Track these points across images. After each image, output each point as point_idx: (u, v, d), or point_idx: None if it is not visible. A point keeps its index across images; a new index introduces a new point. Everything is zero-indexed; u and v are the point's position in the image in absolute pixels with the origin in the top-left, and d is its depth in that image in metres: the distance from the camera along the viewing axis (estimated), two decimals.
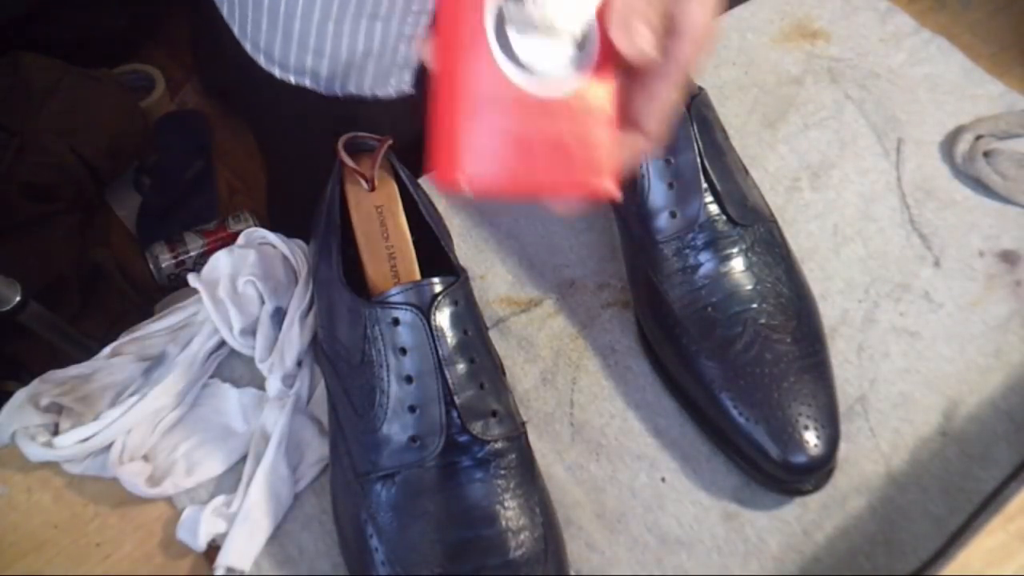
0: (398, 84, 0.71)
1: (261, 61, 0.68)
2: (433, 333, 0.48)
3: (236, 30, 0.69)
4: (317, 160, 0.65)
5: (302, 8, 0.63)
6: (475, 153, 0.30)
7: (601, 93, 0.31)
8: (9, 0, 1.44)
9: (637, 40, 0.31)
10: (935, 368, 0.58)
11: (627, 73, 0.33)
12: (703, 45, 0.34)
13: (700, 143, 0.55)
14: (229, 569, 0.50)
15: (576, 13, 0.30)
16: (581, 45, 0.31)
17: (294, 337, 0.56)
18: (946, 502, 0.53)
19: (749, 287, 0.54)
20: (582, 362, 0.59)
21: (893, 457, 0.55)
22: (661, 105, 0.34)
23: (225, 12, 0.69)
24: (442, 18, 0.30)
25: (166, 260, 1.41)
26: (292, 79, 0.68)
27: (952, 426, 0.56)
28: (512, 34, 0.30)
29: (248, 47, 0.68)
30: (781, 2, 0.77)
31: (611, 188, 0.32)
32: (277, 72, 0.68)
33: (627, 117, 0.35)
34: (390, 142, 0.56)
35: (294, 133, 0.78)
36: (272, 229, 0.61)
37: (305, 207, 0.60)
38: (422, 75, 0.73)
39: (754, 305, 0.53)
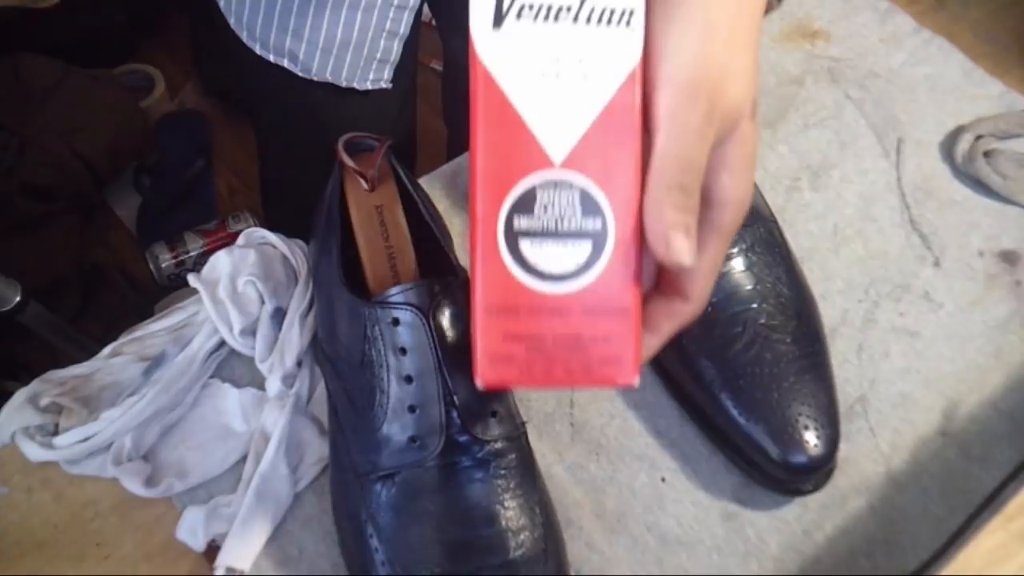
0: (376, 78, 0.71)
1: (244, 37, 0.69)
2: (433, 333, 0.48)
3: (221, 3, 0.69)
4: (309, 157, 0.65)
5: None
6: (488, 355, 0.31)
7: (618, 284, 0.31)
8: None
9: (675, 250, 0.30)
10: (935, 368, 0.58)
11: None
12: (744, 211, 0.33)
13: None
14: (229, 569, 0.50)
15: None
16: (596, 242, 0.30)
17: (294, 337, 0.56)
18: (946, 502, 0.53)
19: (749, 287, 0.54)
20: None
21: (893, 457, 0.55)
22: (703, 272, 0.33)
23: None
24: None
25: (166, 260, 1.41)
26: (271, 58, 0.69)
27: (952, 426, 0.56)
28: (524, 242, 0.30)
29: (232, 21, 0.69)
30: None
31: (631, 380, 0.31)
32: (257, 48, 0.69)
33: (668, 284, 0.34)
34: (390, 142, 0.56)
35: (286, 125, 0.78)
36: (274, 229, 0.61)
37: (301, 207, 0.60)
38: (403, 72, 0.73)
39: (754, 305, 0.53)
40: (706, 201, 0.32)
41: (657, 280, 0.34)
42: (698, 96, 0.30)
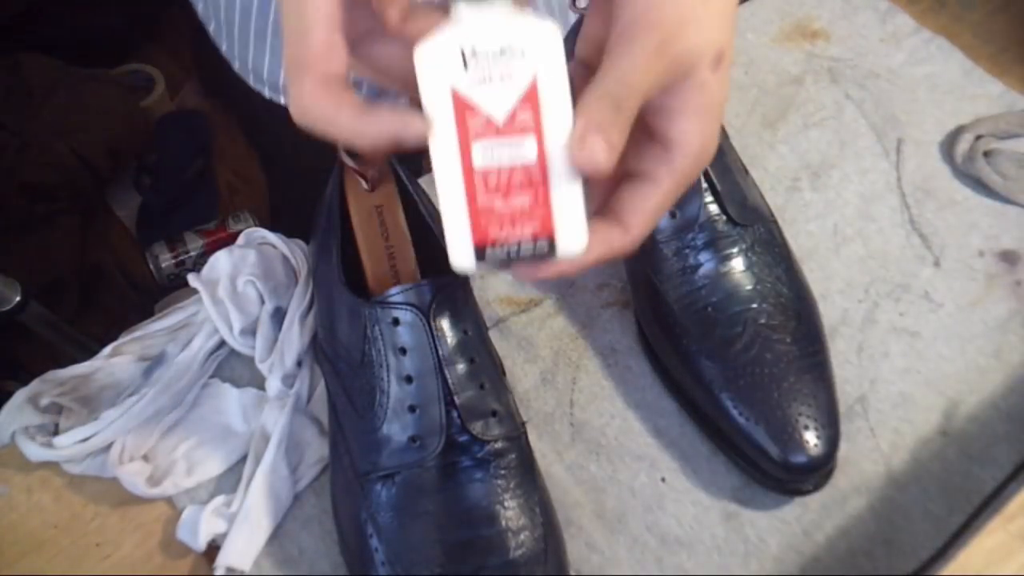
0: None
1: (250, 80, 0.66)
2: (433, 333, 0.48)
3: (224, 48, 0.66)
4: (317, 165, 0.64)
5: None
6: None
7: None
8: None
9: (590, 148, 0.31)
10: (935, 368, 0.58)
11: (623, 168, 0.34)
12: (702, 160, 0.35)
13: None
14: (229, 569, 0.50)
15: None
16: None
17: (294, 337, 0.56)
18: (946, 502, 0.53)
19: (749, 287, 0.54)
20: (582, 362, 0.59)
21: (893, 457, 0.55)
22: (647, 207, 0.35)
23: (212, 29, 0.67)
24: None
25: (166, 260, 1.41)
26: (282, 100, 0.66)
27: (952, 426, 0.56)
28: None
29: (236, 65, 0.67)
30: (781, 2, 0.77)
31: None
32: (267, 92, 0.66)
33: (611, 208, 0.35)
34: None
35: (293, 144, 0.77)
36: (274, 229, 0.61)
37: (306, 207, 0.60)
38: None
39: (754, 305, 0.53)
40: (664, 142, 0.34)
41: (603, 205, 0.35)
42: (652, 32, 0.32)
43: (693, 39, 0.33)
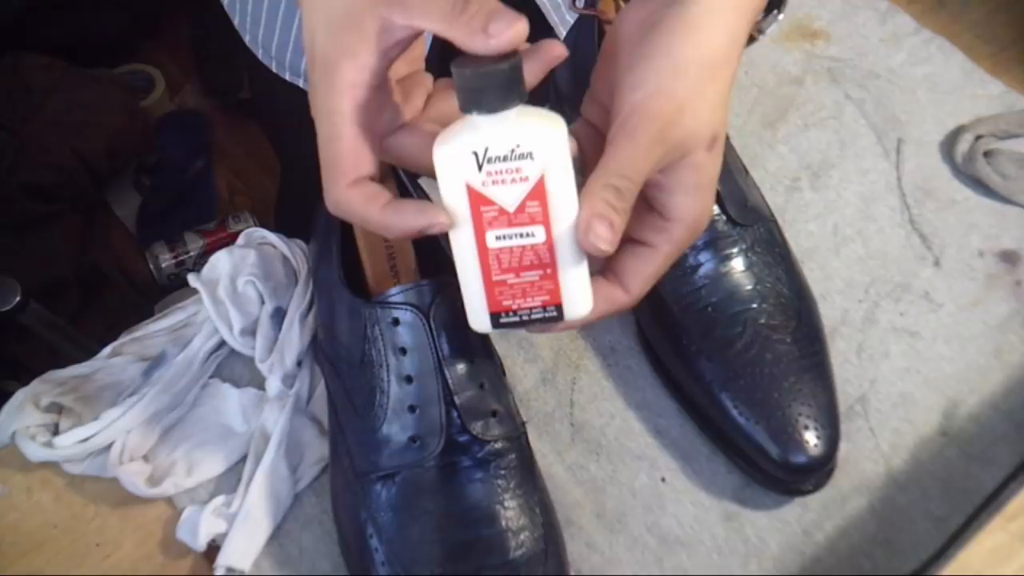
0: None
1: (259, 54, 0.68)
2: (433, 333, 0.48)
3: (236, 21, 0.68)
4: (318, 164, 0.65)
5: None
6: None
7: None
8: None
9: (594, 234, 0.34)
10: (935, 368, 0.58)
11: (625, 234, 0.36)
12: (697, 230, 0.38)
13: None
14: (229, 569, 0.50)
15: None
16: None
17: (294, 337, 0.56)
18: (946, 502, 0.53)
19: (749, 287, 0.54)
20: (582, 362, 0.59)
21: (893, 457, 0.55)
22: (646, 272, 0.38)
23: (226, 2, 0.69)
24: None
25: (166, 260, 1.41)
26: (287, 76, 0.68)
27: (952, 426, 0.56)
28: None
29: (247, 39, 0.69)
30: None
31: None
32: (274, 66, 0.68)
33: (613, 270, 0.38)
34: None
35: (302, 131, 0.77)
36: (278, 228, 0.61)
37: (307, 207, 0.60)
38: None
39: (754, 305, 0.53)
40: (663, 214, 0.38)
41: (606, 266, 0.38)
42: (652, 122, 0.35)
43: (690, 125, 0.35)
